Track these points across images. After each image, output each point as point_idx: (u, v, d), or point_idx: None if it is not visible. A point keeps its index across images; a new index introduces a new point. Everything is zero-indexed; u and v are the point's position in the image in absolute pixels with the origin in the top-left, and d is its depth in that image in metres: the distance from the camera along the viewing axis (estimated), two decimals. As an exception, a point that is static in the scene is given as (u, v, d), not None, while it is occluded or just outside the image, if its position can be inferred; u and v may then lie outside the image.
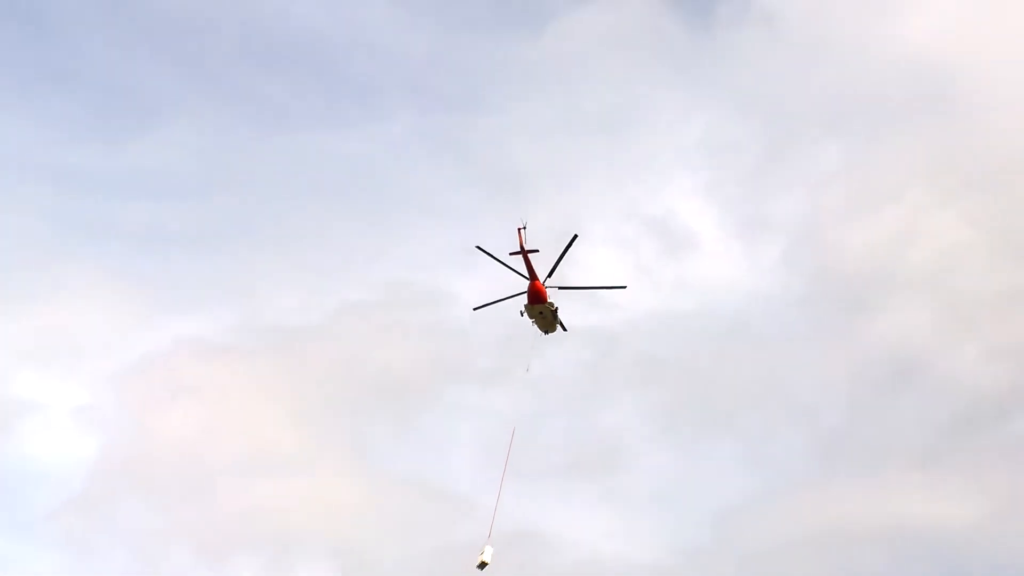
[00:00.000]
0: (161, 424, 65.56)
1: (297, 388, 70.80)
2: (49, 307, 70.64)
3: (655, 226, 70.82)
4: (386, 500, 61.69)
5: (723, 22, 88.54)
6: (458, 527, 48.96)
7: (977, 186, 75.70)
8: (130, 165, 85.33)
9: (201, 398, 67.38)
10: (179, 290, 77.64)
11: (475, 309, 24.12)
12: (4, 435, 61.11)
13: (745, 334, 69.18)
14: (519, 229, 21.30)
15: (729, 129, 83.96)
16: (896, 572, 57.00)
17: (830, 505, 59.31)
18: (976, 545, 55.48)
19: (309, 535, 57.88)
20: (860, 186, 78.83)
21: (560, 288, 22.76)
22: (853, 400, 65.72)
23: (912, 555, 56.42)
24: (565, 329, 24.22)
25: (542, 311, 23.02)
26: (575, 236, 20.88)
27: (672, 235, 71.66)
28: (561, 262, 21.91)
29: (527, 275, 22.29)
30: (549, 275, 22.23)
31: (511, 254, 22.03)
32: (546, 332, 23.86)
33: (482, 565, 21.49)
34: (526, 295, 22.31)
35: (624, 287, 23.92)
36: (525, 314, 22.75)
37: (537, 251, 21.78)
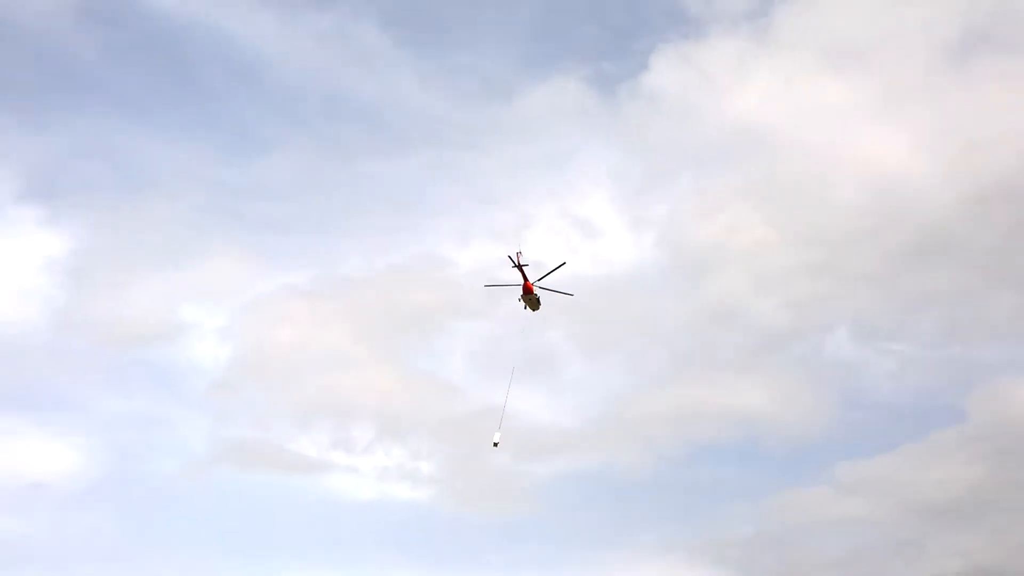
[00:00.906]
0: (270, 338, 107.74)
1: (355, 317, 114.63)
2: (203, 266, 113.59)
3: (579, 222, 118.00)
4: (409, 387, 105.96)
5: (623, 98, 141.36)
6: (454, 404, 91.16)
7: (775, 201, 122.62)
8: (253, 178, 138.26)
9: (295, 322, 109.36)
10: (282, 256, 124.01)
11: (486, 286, 35.74)
12: (176, 343, 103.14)
13: (631, 289, 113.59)
14: (517, 253, 33.69)
15: (624, 164, 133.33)
16: (718, 437, 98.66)
17: (679, 394, 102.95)
18: (772, 424, 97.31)
19: (361, 407, 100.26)
20: (702, 200, 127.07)
21: (540, 287, 35.60)
22: (695, 331, 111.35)
23: (729, 425, 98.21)
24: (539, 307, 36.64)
25: (530, 299, 35.71)
26: (563, 263, 33.72)
27: (589, 228, 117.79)
28: (550, 274, 34.15)
29: (521, 279, 34.49)
30: (539, 280, 34.13)
31: (512, 267, 33.98)
32: (532, 310, 36.38)
33: (495, 444, 33.70)
34: (521, 289, 34.59)
35: (571, 294, 36.08)
36: (521, 300, 35.15)
37: (527, 265, 33.88)
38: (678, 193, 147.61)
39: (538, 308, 35.67)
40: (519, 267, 33.00)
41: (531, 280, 33.95)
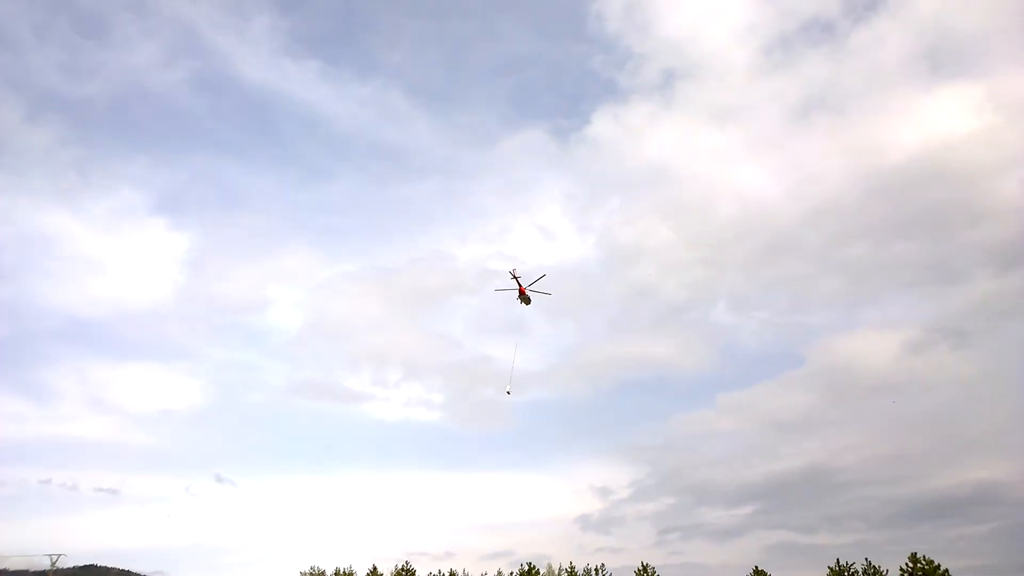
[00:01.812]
0: (330, 309, 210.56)
1: (388, 295, 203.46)
2: (282, 259, 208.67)
3: (541, 229, 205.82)
4: (425, 343, 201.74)
5: (572, 144, 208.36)
6: (456, 354, 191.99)
7: (676, 215, 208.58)
8: (316, 199, 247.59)
9: (347, 298, 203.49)
10: (337, 252, 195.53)
11: (496, 291, 45.29)
12: (264, 312, 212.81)
13: (578, 275, 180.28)
14: (513, 270, 44.26)
15: (573, 189, 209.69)
16: (638, 376, 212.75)
17: (612, 347, 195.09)
18: (674, 368, 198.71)
19: (392, 356, 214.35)
20: (626, 214, 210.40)
21: (531, 289, 44.65)
22: (622, 304, 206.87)
23: (645, 369, 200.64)
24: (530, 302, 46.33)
25: (524, 298, 44.99)
26: (543, 275, 44.61)
27: (548, 233, 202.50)
28: (535, 283, 44.53)
29: (518, 286, 44.16)
30: (529, 286, 43.86)
31: (511, 278, 44.55)
32: (526, 305, 45.42)
33: (508, 392, 47.52)
34: (517, 293, 44.05)
35: (550, 294, 46.24)
36: (519, 299, 44.50)
37: (520, 277, 44.22)
38: (610, 209, 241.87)
39: (529, 303, 46.08)
40: (515, 279, 44.22)
41: (524, 286, 44.83)
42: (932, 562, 62.13)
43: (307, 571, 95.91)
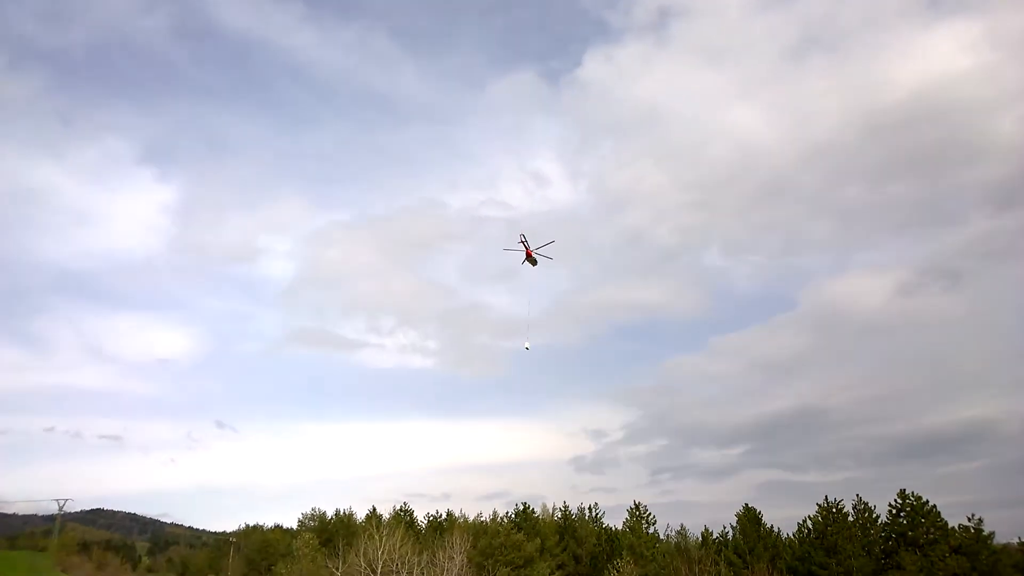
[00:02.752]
0: (322, 257, 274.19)
1: (380, 243, 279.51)
2: (273, 208, 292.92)
3: (533, 174, 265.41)
4: (418, 290, 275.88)
5: (564, 86, 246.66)
6: (449, 301, 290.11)
7: (669, 158, 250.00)
8: (305, 145, 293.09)
9: (339, 246, 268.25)
10: (328, 200, 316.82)
11: (504, 250, 45.10)
12: (256, 262, 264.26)
13: (570, 220, 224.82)
14: (521, 235, 44.13)
15: (565, 133, 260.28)
16: (631, 320, 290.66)
17: (604, 292, 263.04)
18: (666, 311, 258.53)
19: (386, 304, 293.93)
20: (618, 158, 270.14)
21: (537, 253, 44.70)
22: (614, 249, 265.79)
23: (638, 313, 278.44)
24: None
25: (531, 259, 44.87)
26: (552, 240, 44.42)
27: (540, 178, 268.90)
28: (542, 247, 44.25)
29: (524, 248, 44.34)
30: (536, 249, 44.12)
31: (519, 242, 44.35)
32: (533, 266, 45.16)
33: (527, 347, 49.25)
34: (524, 255, 44.37)
35: (551, 258, 45.55)
36: (525, 261, 44.65)
37: (527, 242, 43.84)
38: (602, 153, 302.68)
39: (536, 264, 45.82)
40: (524, 243, 44.53)
41: (531, 249, 44.79)
42: (920, 498, 63.28)
43: (307, 513, 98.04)
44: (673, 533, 78.61)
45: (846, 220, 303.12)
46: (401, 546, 59.49)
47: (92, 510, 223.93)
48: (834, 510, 66.68)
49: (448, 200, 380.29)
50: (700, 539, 72.45)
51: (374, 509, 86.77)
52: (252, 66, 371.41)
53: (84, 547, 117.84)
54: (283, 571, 69.43)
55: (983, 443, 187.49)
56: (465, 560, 61.11)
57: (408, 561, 58.81)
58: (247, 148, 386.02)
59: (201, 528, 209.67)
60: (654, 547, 72.50)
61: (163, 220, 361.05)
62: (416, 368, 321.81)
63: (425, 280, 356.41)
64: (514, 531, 70.21)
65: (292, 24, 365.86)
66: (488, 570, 64.71)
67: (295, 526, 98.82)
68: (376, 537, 59.52)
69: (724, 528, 71.89)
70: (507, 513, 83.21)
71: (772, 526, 70.96)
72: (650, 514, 77.21)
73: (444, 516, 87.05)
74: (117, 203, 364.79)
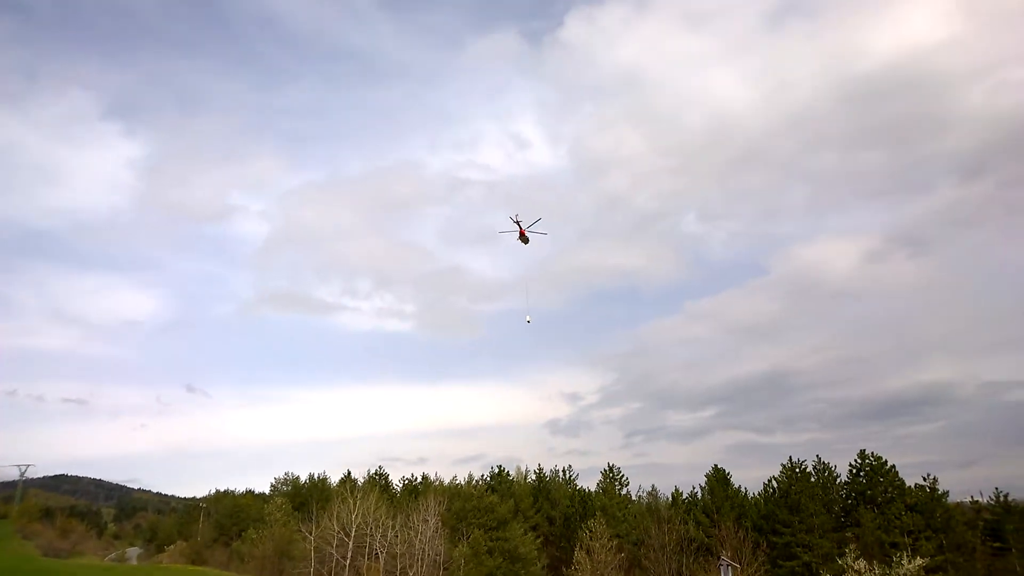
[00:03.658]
0: (297, 218, 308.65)
1: (357, 204, 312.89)
2: (245, 165, 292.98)
3: (513, 137, 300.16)
4: (395, 252, 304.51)
5: (545, 48, 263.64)
6: (427, 264, 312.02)
7: (648, 123, 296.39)
8: (279, 101, 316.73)
9: (314, 206, 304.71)
10: (304, 158, 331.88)
11: (500, 232, 44.95)
12: (229, 221, 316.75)
13: (550, 184, 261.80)
14: (516, 214, 43.80)
15: (545, 95, 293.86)
16: (608, 285, 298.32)
17: (583, 257, 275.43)
18: (644, 276, 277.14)
19: (362, 266, 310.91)
20: (599, 121, 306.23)
21: (529, 231, 44.33)
22: (593, 214, 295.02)
23: (616, 278, 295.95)
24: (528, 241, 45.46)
25: (523, 238, 44.46)
26: (539, 219, 43.83)
27: (520, 141, 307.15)
28: (533, 224, 43.76)
29: (518, 229, 43.92)
30: (528, 227, 43.75)
31: (514, 221, 43.81)
32: (525, 244, 44.96)
33: (528, 321, 50.61)
34: (518, 235, 44.12)
35: (545, 233, 45.46)
36: (519, 239, 44.35)
37: (521, 221, 43.54)
38: (582, 116, 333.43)
39: (528, 243, 45.76)
40: (517, 223, 44.35)
41: (524, 228, 44.68)
42: (880, 459, 65.73)
43: (280, 477, 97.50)
44: (644, 494, 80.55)
45: (819, 187, 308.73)
46: (375, 510, 59.55)
47: (56, 475, 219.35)
48: (797, 470, 68.84)
49: (427, 161, 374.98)
50: (670, 500, 74.37)
51: (349, 473, 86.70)
52: (223, 18, 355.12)
53: (47, 513, 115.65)
54: (254, 536, 69.08)
55: (941, 406, 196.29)
56: (439, 522, 61.54)
57: (382, 524, 58.96)
58: (218, 103, 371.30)
59: (170, 494, 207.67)
60: (626, 508, 74.19)
61: (130, 177, 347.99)
62: (393, 331, 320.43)
63: (402, 242, 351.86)
64: (488, 493, 70.92)
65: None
66: (462, 532, 65.38)
67: (268, 491, 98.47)
68: (350, 501, 59.40)
69: (694, 488, 73.90)
70: (482, 476, 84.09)
71: (740, 486, 73.25)
72: (623, 476, 78.95)
73: (420, 480, 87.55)
74: (82, 160, 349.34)
